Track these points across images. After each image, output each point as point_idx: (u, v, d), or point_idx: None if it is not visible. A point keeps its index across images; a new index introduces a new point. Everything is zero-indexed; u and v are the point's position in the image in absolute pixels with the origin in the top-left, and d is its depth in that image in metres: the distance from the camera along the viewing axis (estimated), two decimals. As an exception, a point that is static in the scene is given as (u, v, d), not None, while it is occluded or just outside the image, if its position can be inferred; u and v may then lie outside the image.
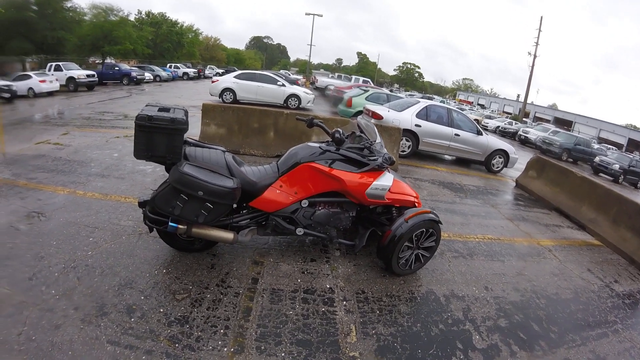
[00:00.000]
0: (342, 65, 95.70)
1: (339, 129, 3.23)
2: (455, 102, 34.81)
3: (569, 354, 3.04)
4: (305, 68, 54.41)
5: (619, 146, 38.25)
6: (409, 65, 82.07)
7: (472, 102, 56.37)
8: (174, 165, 2.72)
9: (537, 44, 34.20)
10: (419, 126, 8.46)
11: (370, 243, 3.57)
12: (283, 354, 2.43)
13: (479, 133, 9.05)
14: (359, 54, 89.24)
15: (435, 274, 3.80)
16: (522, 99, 42.45)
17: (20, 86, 15.58)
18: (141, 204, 2.94)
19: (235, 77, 14.01)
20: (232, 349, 2.41)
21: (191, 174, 2.64)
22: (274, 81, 14.24)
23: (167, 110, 2.76)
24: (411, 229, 3.31)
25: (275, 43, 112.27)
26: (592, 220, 6.39)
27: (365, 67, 79.23)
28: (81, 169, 5.34)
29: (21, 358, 2.20)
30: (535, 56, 34.51)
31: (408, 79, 79.41)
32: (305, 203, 3.20)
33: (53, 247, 3.24)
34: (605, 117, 47.36)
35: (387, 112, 8.58)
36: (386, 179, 3.33)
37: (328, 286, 3.25)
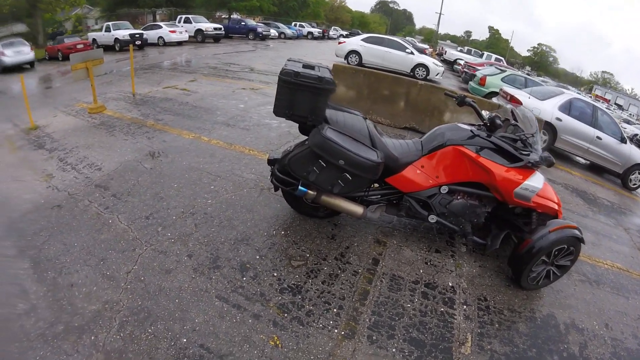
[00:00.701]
0: (471, 38, 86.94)
1: (498, 114, 2.85)
2: (590, 97, 29.11)
3: None
4: (431, 37, 50.75)
5: None
6: (544, 47, 71.08)
7: (610, 100, 46.80)
8: (314, 128, 2.55)
9: None
10: (560, 120, 7.27)
11: (500, 246, 3.18)
12: (394, 350, 2.30)
13: (622, 140, 7.44)
14: (490, 28, 79.96)
15: (559, 295, 3.28)
16: None
17: (151, 35, 17.30)
18: (271, 162, 2.88)
19: (362, 40, 13.62)
20: (342, 332, 2.32)
21: (335, 141, 2.46)
22: (402, 48, 13.43)
23: (311, 67, 2.60)
24: (553, 243, 2.86)
25: (401, 8, 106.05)
26: None
27: (496, 44, 70.93)
28: (207, 115, 5.66)
29: (125, 297, 2.26)
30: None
31: (541, 62, 69.01)
32: (444, 189, 2.90)
33: (174, 190, 3.45)
34: None
35: (527, 99, 7.53)
36: (537, 180, 2.84)
37: (450, 284, 3.01)
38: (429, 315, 2.63)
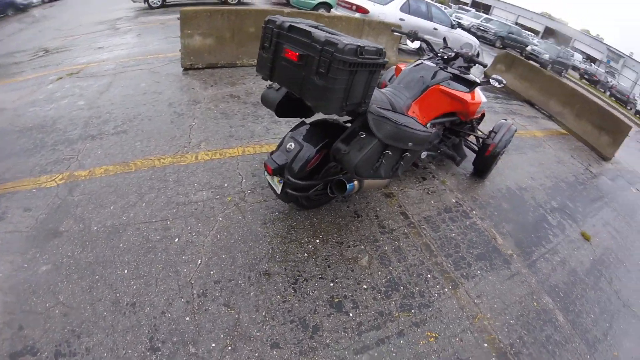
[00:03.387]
0: None
1: (449, 48, 3.26)
2: None
3: (594, 220, 4.23)
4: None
5: (536, 33, 40.74)
6: None
7: None
8: (360, 114, 2.02)
9: None
10: (403, 20, 8.14)
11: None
12: (478, 271, 2.76)
13: (452, 27, 9.07)
14: None
15: (497, 172, 4.29)
16: None
17: None
18: (277, 171, 2.19)
19: None
20: (450, 286, 2.53)
21: (403, 123, 2.15)
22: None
23: (338, 35, 1.89)
24: (508, 142, 3.60)
25: None
26: (559, 113, 7.33)
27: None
28: (48, 137, 3.45)
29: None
30: None
31: None
32: (428, 126, 3.03)
33: (128, 281, 2.59)
34: (523, 4, 48.49)
35: (372, 5, 8.00)
36: (483, 96, 3.40)
37: (454, 200, 3.50)
38: (467, 232, 3.12)
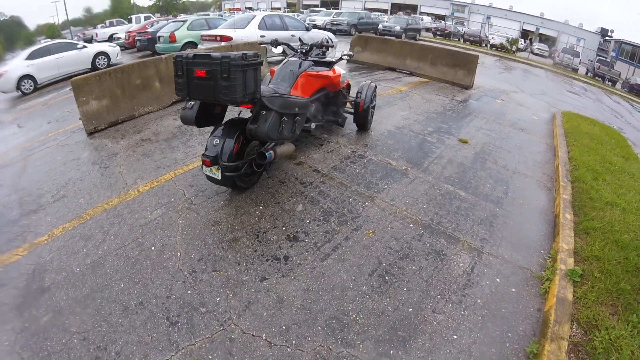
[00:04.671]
0: (94, 13, 78.62)
1: (305, 45, 4.33)
2: (226, 13, 34.41)
3: (467, 129, 5.47)
4: (53, 32, 43.30)
5: (384, 11, 44.68)
6: None
7: (240, 8, 56.36)
8: (257, 100, 2.89)
9: None
10: (264, 36, 9.21)
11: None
12: (385, 186, 3.77)
13: (307, 29, 10.34)
14: None
15: (376, 123, 5.41)
16: None
17: None
18: (213, 161, 2.92)
19: (26, 58, 10.71)
20: (368, 201, 3.50)
21: (287, 95, 3.08)
22: (73, 46, 11.66)
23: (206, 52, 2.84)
24: (373, 97, 4.70)
25: (7, 17, 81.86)
26: (417, 67, 8.99)
27: (119, 7, 67.33)
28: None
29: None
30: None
31: (169, 4, 71.83)
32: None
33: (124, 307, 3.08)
34: None
35: (233, 32, 8.96)
36: (341, 70, 4.53)
37: (349, 151, 4.50)
38: (366, 166, 4.12)
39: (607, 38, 40.35)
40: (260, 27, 9.28)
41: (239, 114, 3.47)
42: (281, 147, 3.38)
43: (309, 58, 4.13)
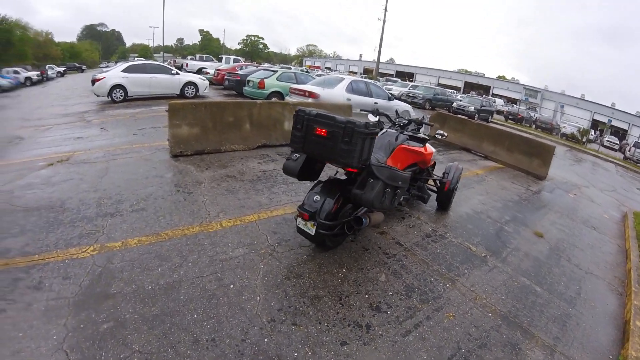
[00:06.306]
0: (184, 44, 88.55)
1: (402, 117, 4.43)
2: (305, 69, 36.75)
3: (542, 222, 5.41)
4: (146, 52, 48.75)
5: (457, 89, 45.65)
6: (252, 38, 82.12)
7: (320, 67, 59.60)
8: (365, 167, 2.90)
9: (385, 10, 39.53)
10: (349, 99, 9.53)
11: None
12: (465, 270, 3.62)
13: (390, 99, 10.67)
14: (201, 31, 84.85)
15: (455, 205, 5.26)
16: (364, 58, 47.34)
17: None
18: (311, 216, 2.94)
19: (123, 70, 12.04)
20: (449, 283, 3.36)
21: (394, 169, 3.06)
22: (167, 70, 12.91)
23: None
24: (458, 178, 4.72)
25: (109, 29, 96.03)
26: (492, 151, 8.86)
27: (209, 45, 75.17)
28: (63, 216, 3.67)
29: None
30: (384, 21, 39.87)
31: (254, 51, 78.79)
32: None
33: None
34: (441, 65, 54.57)
35: (322, 90, 9.40)
36: (433, 148, 4.58)
37: (430, 229, 4.37)
38: (447, 248, 3.99)
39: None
40: (347, 90, 9.73)
41: (335, 174, 3.49)
42: (374, 214, 3.29)
43: (404, 132, 4.17)
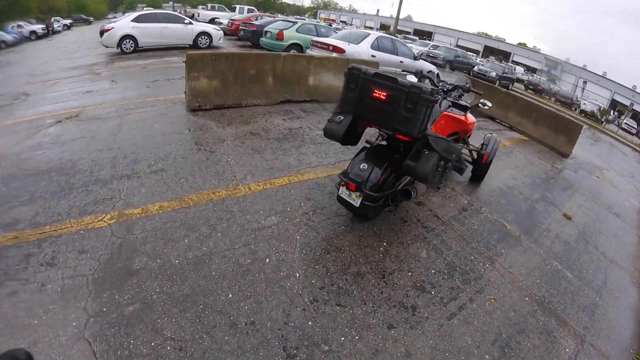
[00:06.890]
0: None
1: (444, 82, 4.05)
2: (319, 21, 34.97)
3: (570, 203, 5.17)
4: (155, 2, 46.78)
5: (476, 52, 42.71)
6: None
7: (335, 20, 56.71)
8: (422, 136, 2.59)
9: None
10: (374, 56, 8.97)
11: None
12: (503, 250, 3.48)
13: (415, 58, 10.05)
14: None
15: (487, 177, 4.92)
16: (382, 13, 43.87)
17: None
18: (358, 186, 2.68)
19: (133, 20, 11.25)
20: (488, 263, 3.22)
21: (450, 141, 2.73)
22: (179, 20, 12.12)
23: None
24: (495, 151, 4.46)
25: None
26: (518, 122, 8.40)
27: (217, -8, 71.28)
28: (86, 177, 3.39)
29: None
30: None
31: (266, 1, 74.84)
32: None
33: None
34: (460, 26, 51.36)
35: (347, 45, 8.83)
36: (473, 117, 4.16)
37: (466, 202, 4.18)
38: (484, 224, 3.82)
39: None
40: (372, 47, 9.13)
41: (377, 139, 3.02)
42: (419, 186, 3.04)
43: (447, 98, 3.78)
